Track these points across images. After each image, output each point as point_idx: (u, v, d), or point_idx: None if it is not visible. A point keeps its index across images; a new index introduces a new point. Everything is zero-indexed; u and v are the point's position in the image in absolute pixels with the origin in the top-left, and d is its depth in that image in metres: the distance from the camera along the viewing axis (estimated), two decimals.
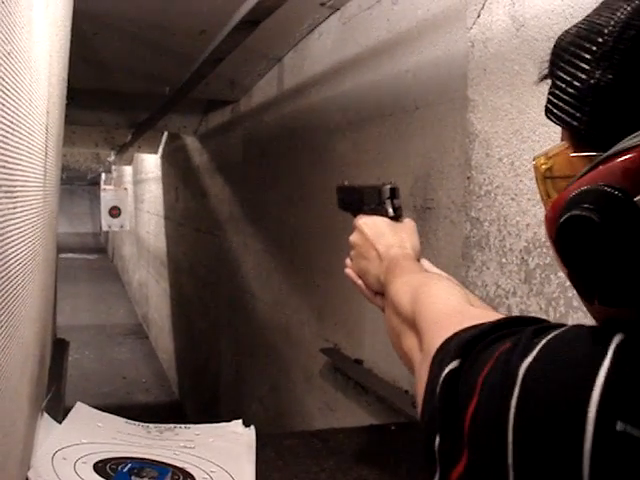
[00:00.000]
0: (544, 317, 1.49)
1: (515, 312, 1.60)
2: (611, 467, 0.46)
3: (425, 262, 1.24)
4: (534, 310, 1.54)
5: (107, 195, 9.23)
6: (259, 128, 4.04)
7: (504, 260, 1.63)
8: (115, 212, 9.12)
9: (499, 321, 0.67)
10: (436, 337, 0.72)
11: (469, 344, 0.63)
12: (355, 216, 1.33)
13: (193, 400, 6.54)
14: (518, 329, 0.61)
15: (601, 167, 0.55)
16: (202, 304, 5.89)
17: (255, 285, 4.15)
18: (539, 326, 0.60)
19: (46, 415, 1.52)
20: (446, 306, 0.85)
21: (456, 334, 0.68)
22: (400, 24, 2.20)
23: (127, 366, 8.64)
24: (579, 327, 0.57)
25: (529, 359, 0.54)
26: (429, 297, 0.90)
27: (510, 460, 0.51)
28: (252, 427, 1.63)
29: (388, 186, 1.29)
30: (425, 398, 0.67)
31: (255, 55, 3.44)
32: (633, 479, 0.46)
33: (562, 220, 0.55)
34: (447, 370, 0.63)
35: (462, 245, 1.81)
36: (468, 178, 1.77)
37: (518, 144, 1.58)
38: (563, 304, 1.45)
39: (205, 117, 5.53)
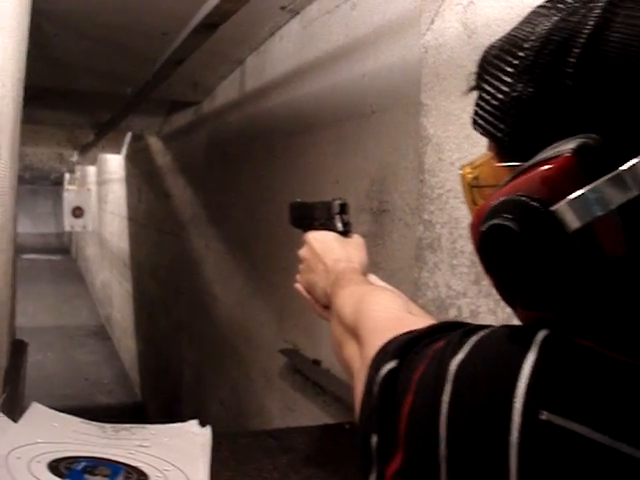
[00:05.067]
0: (493, 317, 1.53)
1: (466, 313, 1.63)
2: (537, 455, 0.49)
3: (372, 277, 1.24)
4: (483, 311, 1.57)
5: (70, 195, 9.17)
6: (222, 130, 4.05)
7: (455, 262, 1.67)
8: (78, 212, 9.07)
9: (436, 325, 0.70)
10: (374, 344, 0.73)
11: (407, 346, 0.65)
12: (306, 232, 1.33)
13: (155, 401, 6.51)
14: (453, 331, 0.63)
15: (521, 177, 0.56)
16: (164, 305, 5.87)
17: (216, 286, 4.16)
18: (470, 327, 0.62)
19: (1, 415, 1.52)
20: (386, 314, 0.87)
21: (394, 338, 0.70)
22: (358, 29, 2.23)
23: (89, 368, 8.57)
24: (507, 327, 0.59)
25: (459, 356, 0.57)
26: (370, 306, 0.91)
27: (442, 453, 0.54)
28: (208, 427, 1.64)
29: (337, 202, 1.30)
30: (363, 399, 0.68)
31: (217, 57, 3.45)
32: (558, 466, 0.48)
33: (484, 229, 0.57)
34: (385, 370, 0.64)
35: (415, 247, 1.84)
36: (421, 181, 1.80)
37: (469, 148, 1.61)
38: None
39: (168, 118, 5.52)
